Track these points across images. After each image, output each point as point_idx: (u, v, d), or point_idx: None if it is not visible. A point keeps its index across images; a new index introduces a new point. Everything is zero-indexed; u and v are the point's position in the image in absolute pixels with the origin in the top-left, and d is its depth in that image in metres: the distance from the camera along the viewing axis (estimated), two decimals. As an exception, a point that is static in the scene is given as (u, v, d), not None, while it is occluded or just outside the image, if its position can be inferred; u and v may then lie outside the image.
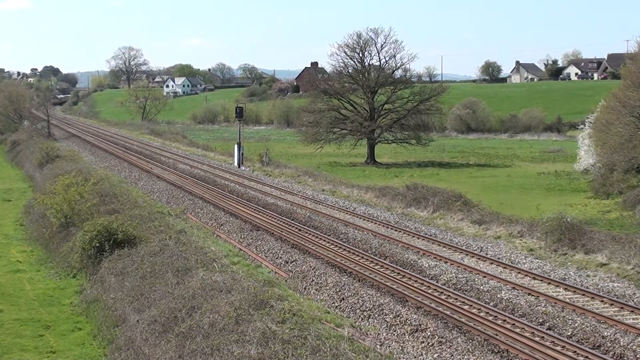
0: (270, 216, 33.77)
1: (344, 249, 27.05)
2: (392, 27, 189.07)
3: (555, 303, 20.14)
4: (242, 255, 27.91)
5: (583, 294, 21.06)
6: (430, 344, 17.95)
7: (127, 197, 38.35)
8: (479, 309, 19.82)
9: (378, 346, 17.85)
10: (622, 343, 17.21)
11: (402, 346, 18.10)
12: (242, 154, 56.42)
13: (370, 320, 20.21)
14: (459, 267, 24.33)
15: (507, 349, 17.06)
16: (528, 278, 22.94)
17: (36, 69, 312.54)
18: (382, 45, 68.27)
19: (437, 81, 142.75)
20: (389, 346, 18.12)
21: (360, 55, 68.92)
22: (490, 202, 37.30)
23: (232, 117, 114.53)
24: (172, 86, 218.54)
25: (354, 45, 68.57)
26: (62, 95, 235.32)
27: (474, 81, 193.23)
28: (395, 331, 19.15)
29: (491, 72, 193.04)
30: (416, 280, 22.68)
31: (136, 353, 17.90)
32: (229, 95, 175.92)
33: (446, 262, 24.98)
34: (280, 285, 22.50)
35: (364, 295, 21.61)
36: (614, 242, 25.31)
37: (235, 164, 56.15)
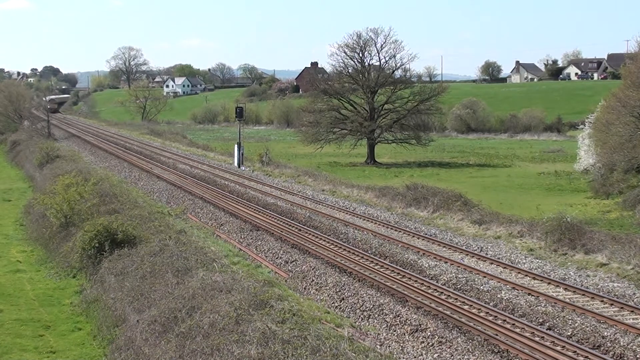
0: (270, 216, 33.77)
1: (344, 249, 27.05)
2: (392, 27, 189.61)
3: (555, 303, 20.14)
4: (242, 255, 27.91)
5: (583, 294, 21.06)
6: (430, 344, 17.95)
7: (127, 197, 38.34)
8: (479, 309, 19.82)
9: (378, 346, 17.85)
10: (622, 343, 17.21)
11: (402, 346, 18.10)
12: (242, 154, 56.41)
13: (370, 320, 20.21)
14: (459, 267, 24.33)
15: (507, 349, 17.06)
16: (528, 278, 22.94)
17: (36, 69, 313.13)
18: (382, 45, 68.39)
19: (437, 81, 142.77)
20: (389, 346, 18.12)
21: (360, 55, 68.97)
22: (490, 202, 37.29)
23: (232, 117, 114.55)
24: (172, 86, 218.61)
25: (354, 45, 68.63)
26: (58, 96, 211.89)
27: (474, 81, 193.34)
28: (395, 331, 19.15)
29: (491, 72, 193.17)
30: (416, 280, 22.68)
31: (136, 353, 17.91)
32: (229, 95, 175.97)
33: (446, 262, 24.98)
34: (280, 285, 22.49)
35: (364, 295, 21.61)
36: (614, 242, 25.30)
37: (235, 164, 56.14)
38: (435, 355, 17.30)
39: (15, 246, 32.68)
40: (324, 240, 28.62)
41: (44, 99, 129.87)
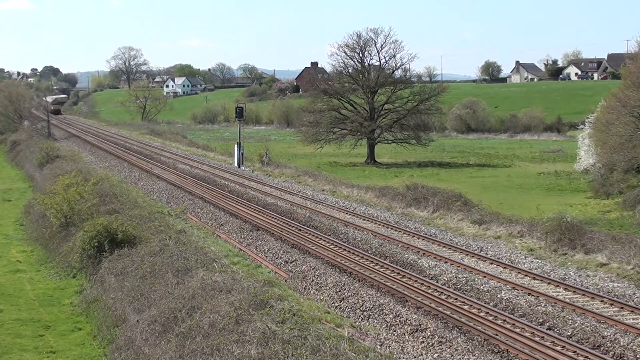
0: (270, 216, 33.76)
1: (344, 249, 27.05)
2: (392, 27, 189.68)
3: (555, 303, 20.15)
4: (242, 255, 27.91)
5: (583, 294, 21.06)
6: (430, 344, 17.95)
7: (127, 197, 38.33)
8: (479, 309, 19.82)
9: (378, 346, 17.85)
10: (622, 343, 17.21)
11: (402, 346, 18.10)
12: (242, 154, 56.41)
13: (370, 320, 20.22)
14: (459, 267, 24.33)
15: (507, 349, 17.06)
16: (528, 278, 22.94)
17: (36, 69, 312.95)
18: (382, 45, 68.45)
19: (437, 81, 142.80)
20: (389, 346, 18.13)
21: (360, 55, 69.01)
22: (490, 202, 37.30)
23: (232, 117, 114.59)
24: (172, 86, 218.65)
25: (354, 46, 68.67)
26: (58, 96, 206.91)
27: (474, 81, 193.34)
28: (395, 331, 19.15)
29: (491, 72, 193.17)
30: (416, 280, 22.68)
31: (136, 353, 17.91)
32: (229, 95, 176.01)
33: (446, 262, 24.98)
34: (280, 285, 22.49)
35: (364, 295, 21.61)
36: (614, 242, 25.30)
37: (235, 164, 56.14)
38: (435, 355, 17.30)
39: (15, 246, 32.69)
40: (324, 240, 28.62)
41: (44, 99, 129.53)
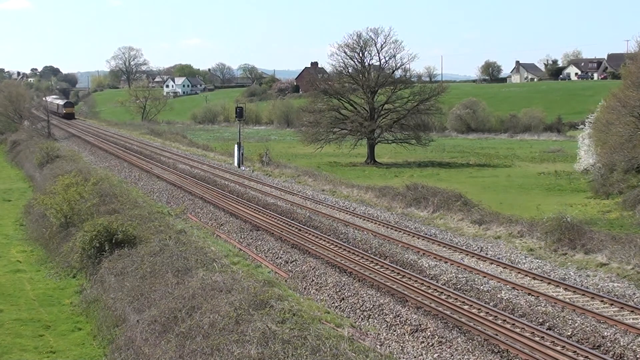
0: (270, 216, 33.77)
1: (344, 249, 27.05)
2: (392, 27, 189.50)
3: (555, 303, 20.15)
4: (242, 255, 27.90)
5: (583, 294, 21.06)
6: (430, 344, 17.96)
7: (127, 197, 38.34)
8: (479, 309, 19.82)
9: (378, 346, 17.85)
10: (622, 343, 17.21)
11: (402, 346, 18.11)
12: (242, 154, 56.40)
13: (370, 320, 20.22)
14: (459, 267, 24.33)
15: (507, 349, 17.07)
16: (528, 278, 22.94)
17: (36, 69, 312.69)
18: (382, 45, 68.50)
19: (437, 81, 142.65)
20: (389, 346, 18.13)
21: (360, 55, 69.04)
22: (490, 202, 37.31)
23: (232, 117, 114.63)
24: (172, 86, 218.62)
25: (354, 45, 68.71)
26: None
27: (474, 81, 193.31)
28: (395, 331, 19.15)
29: (491, 72, 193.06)
30: (416, 280, 22.69)
31: (136, 353, 17.92)
32: (229, 95, 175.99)
33: (446, 262, 24.98)
34: (280, 285, 22.49)
35: (364, 295, 21.61)
36: (614, 242, 25.30)
37: (235, 164, 56.14)
38: (435, 355, 17.31)
39: (15, 246, 32.70)
40: (324, 240, 28.62)
41: (44, 99, 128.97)
